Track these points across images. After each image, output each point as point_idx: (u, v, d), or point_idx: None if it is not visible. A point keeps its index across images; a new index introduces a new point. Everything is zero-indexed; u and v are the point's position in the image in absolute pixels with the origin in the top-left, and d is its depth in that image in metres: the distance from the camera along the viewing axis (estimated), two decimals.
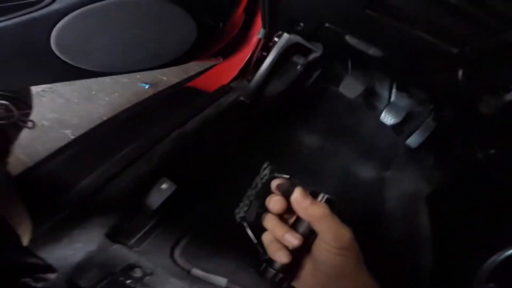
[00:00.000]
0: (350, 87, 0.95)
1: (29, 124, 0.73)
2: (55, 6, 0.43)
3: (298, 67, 0.78)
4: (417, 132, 0.97)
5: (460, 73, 0.47)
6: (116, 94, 1.07)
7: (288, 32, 0.67)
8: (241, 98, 0.74)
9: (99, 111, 0.99)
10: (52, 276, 0.38)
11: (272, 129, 0.91)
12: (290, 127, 0.96)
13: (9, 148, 0.66)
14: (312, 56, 0.72)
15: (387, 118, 1.02)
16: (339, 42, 0.60)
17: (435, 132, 0.96)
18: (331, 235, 0.31)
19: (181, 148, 0.54)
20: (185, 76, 1.31)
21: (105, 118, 0.98)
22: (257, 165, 0.86)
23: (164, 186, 0.57)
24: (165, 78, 1.24)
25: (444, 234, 0.74)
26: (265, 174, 0.69)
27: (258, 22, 0.81)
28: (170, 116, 0.61)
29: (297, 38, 0.66)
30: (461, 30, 0.40)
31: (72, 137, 0.91)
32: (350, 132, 1.07)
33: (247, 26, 0.82)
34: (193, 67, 1.31)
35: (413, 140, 0.98)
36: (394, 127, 1.06)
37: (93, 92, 1.05)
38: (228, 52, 0.88)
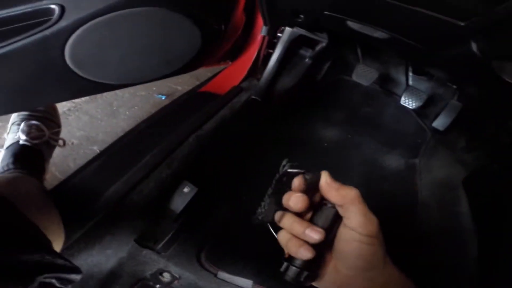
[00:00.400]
0: (364, 75, 0.92)
1: (60, 142, 0.78)
2: (62, 23, 0.47)
3: (306, 60, 0.77)
4: (442, 113, 0.92)
5: (474, 45, 0.44)
6: (135, 107, 1.12)
7: (290, 26, 0.66)
8: (253, 97, 0.74)
9: (121, 125, 1.05)
10: (77, 277, 0.40)
11: (289, 125, 0.90)
12: (306, 121, 0.94)
13: (45, 166, 0.71)
14: (318, 47, 0.71)
15: (409, 102, 0.98)
16: (342, 29, 0.59)
17: (463, 112, 0.91)
18: (361, 220, 0.29)
19: (199, 151, 0.55)
20: (198, 83, 1.35)
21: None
22: (276, 163, 0.85)
23: (186, 189, 0.59)
24: (180, 88, 1.28)
25: (488, 221, 0.68)
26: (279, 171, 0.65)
27: (260, 20, 0.81)
28: (186, 121, 0.62)
29: (300, 31, 0.66)
30: (464, 3, 0.38)
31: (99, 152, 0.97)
32: (371, 121, 1.03)
33: (249, 26, 0.83)
34: (205, 74, 1.34)
35: (440, 123, 0.92)
36: (417, 111, 1.01)
37: (115, 108, 1.11)
38: (235, 54, 0.89)
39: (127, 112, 1.10)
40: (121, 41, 0.53)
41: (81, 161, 0.95)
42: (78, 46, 0.49)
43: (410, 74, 1.04)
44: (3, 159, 0.65)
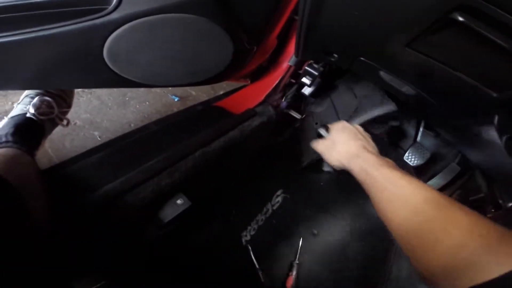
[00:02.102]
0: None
1: (64, 122, 0.77)
2: (114, 15, 0.47)
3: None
4: (440, 174, 0.95)
5: (496, 118, 0.45)
6: (147, 103, 1.12)
7: (318, 61, 0.68)
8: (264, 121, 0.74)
9: (128, 118, 1.04)
10: None
11: (291, 159, 0.91)
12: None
13: (41, 141, 0.69)
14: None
15: (411, 159, 0.99)
16: (372, 77, 0.60)
17: (458, 175, 0.94)
18: None
19: (202, 167, 0.54)
20: (213, 92, 1.35)
21: (133, 125, 1.03)
22: (270, 192, 0.86)
23: (179, 201, 0.57)
24: (194, 93, 1.29)
25: None
26: (278, 202, 0.69)
27: (289, 49, 0.83)
28: (196, 134, 0.62)
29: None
30: (504, 74, 0.39)
31: (99, 139, 0.96)
32: None
33: (278, 52, 0.85)
34: (221, 85, 1.35)
35: (435, 182, 0.95)
36: (416, 167, 1.02)
37: (127, 98, 1.10)
38: (255, 75, 0.91)
39: (137, 106, 1.09)
40: (159, 44, 0.54)
41: (77, 143, 0.93)
42: (119, 41, 0.49)
43: (421, 129, 1.05)
44: (3, 127, 0.64)
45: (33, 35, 0.47)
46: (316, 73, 0.73)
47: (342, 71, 0.90)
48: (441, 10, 0.33)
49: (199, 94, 1.30)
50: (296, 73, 0.83)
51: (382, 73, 0.56)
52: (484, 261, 0.28)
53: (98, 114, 1.01)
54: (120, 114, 1.04)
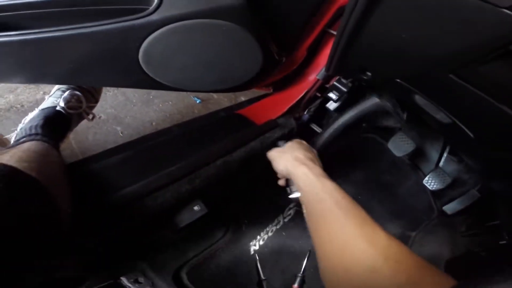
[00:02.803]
0: (400, 145, 0.90)
1: (90, 116, 0.79)
2: (154, 17, 0.48)
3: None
4: (458, 200, 0.93)
5: None
6: (170, 102, 1.13)
7: (348, 78, 0.66)
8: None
9: (150, 116, 1.05)
10: None
11: None
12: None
13: (67, 134, 0.71)
14: (388, 123, 0.72)
15: (431, 183, 0.96)
16: (405, 99, 0.58)
17: (477, 202, 0.91)
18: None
19: (222, 176, 0.54)
20: (233, 97, 1.36)
21: (154, 123, 1.04)
22: (284, 204, 0.85)
23: (196, 208, 0.57)
24: (215, 96, 1.30)
25: None
26: (289, 214, 0.69)
27: (317, 61, 0.82)
28: (218, 141, 0.62)
29: (387, 106, 0.65)
30: None
31: (121, 134, 0.97)
32: (387, 189, 1.02)
33: (305, 63, 0.84)
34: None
35: (451, 207, 0.94)
36: (434, 191, 0.99)
37: (151, 97, 1.12)
38: (279, 84, 0.90)
39: (161, 105, 1.11)
40: (193, 49, 0.54)
41: (100, 137, 0.95)
42: (155, 44, 0.50)
43: (445, 155, 1.02)
44: (33, 118, 0.66)
45: (73, 32, 0.48)
46: (345, 90, 0.71)
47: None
48: (502, 41, 0.31)
49: (220, 97, 1.31)
50: (322, 87, 0.82)
51: (417, 97, 0.54)
52: None
53: (122, 110, 1.03)
54: (143, 111, 1.05)
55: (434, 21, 0.35)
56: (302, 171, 0.48)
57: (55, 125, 0.64)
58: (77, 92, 0.73)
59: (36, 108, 0.70)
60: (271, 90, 0.97)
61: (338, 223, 0.37)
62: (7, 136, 0.74)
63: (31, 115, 0.69)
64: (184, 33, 0.51)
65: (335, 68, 0.60)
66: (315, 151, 0.60)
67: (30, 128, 0.60)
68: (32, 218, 0.36)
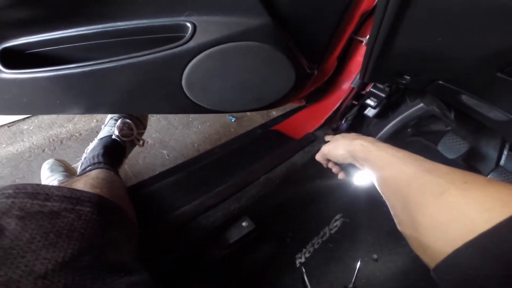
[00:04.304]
0: (451, 146, 0.83)
1: (141, 142, 0.87)
2: (191, 44, 0.51)
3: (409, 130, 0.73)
4: None
5: None
6: (207, 123, 1.20)
7: (386, 83, 0.64)
8: None
9: (191, 138, 1.12)
10: None
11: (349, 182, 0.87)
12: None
13: (123, 160, 0.79)
14: (436, 127, 0.68)
15: None
16: (450, 100, 0.55)
17: None
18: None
19: (266, 192, 0.56)
20: (265, 112, 1.39)
21: (196, 145, 1.11)
22: (329, 216, 0.82)
23: (244, 223, 0.59)
24: (248, 114, 1.34)
25: None
26: (336, 226, 0.67)
27: (348, 69, 0.81)
28: (259, 159, 0.64)
29: (433, 110, 0.63)
30: None
31: (167, 157, 1.04)
32: None
33: (336, 72, 0.83)
34: None
35: None
36: None
37: (190, 119, 1.20)
38: (312, 96, 0.90)
39: (199, 126, 1.17)
40: (229, 71, 0.57)
41: (149, 160, 1.03)
42: (196, 69, 0.53)
43: (505, 152, 0.91)
44: (94, 148, 0.74)
45: (123, 62, 0.51)
46: (383, 95, 0.70)
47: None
48: None
49: (253, 114, 1.35)
50: (358, 94, 0.80)
51: (464, 97, 0.51)
52: (471, 209, 0.26)
53: (166, 134, 1.11)
54: (184, 134, 1.12)
55: (474, 22, 0.34)
56: (359, 144, 0.48)
57: (113, 153, 0.72)
58: (128, 120, 0.81)
59: (95, 138, 0.79)
60: (304, 103, 0.97)
61: (405, 177, 0.36)
62: (74, 166, 0.85)
63: (91, 145, 0.78)
64: (219, 57, 0.54)
65: (371, 75, 0.59)
66: None
67: (93, 157, 0.68)
68: (120, 242, 0.40)
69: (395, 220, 0.38)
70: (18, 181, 0.94)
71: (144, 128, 0.88)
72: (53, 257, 0.31)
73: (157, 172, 0.98)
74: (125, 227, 0.42)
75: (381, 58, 0.50)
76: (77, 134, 1.08)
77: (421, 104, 0.67)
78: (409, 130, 0.96)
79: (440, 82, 0.50)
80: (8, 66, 0.48)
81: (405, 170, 0.37)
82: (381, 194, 0.42)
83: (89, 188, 0.44)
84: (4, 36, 0.49)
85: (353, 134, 0.56)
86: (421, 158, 0.39)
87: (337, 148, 0.55)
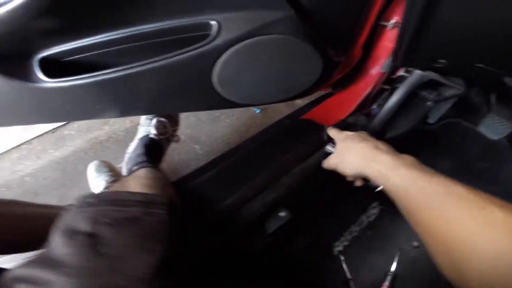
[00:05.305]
0: (494, 127, 0.79)
1: (175, 138, 0.91)
2: (218, 41, 0.51)
3: (429, 103, 0.70)
4: None
5: None
6: (234, 117, 1.22)
7: (422, 69, 0.62)
8: None
9: (221, 132, 1.15)
10: None
11: None
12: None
13: (162, 158, 0.83)
14: (449, 93, 0.64)
15: None
16: (491, 82, 0.52)
17: None
18: None
19: (302, 182, 0.57)
20: (290, 102, 1.38)
21: (225, 139, 1.14)
22: (364, 204, 0.82)
23: (281, 214, 0.61)
24: (272, 104, 1.34)
25: None
26: (374, 213, 0.65)
27: (375, 55, 0.78)
28: (292, 149, 0.65)
29: (431, 75, 0.60)
30: None
31: (200, 152, 1.09)
32: (486, 176, 0.90)
33: (363, 59, 0.81)
34: None
35: None
36: None
37: (217, 114, 1.23)
38: (338, 83, 0.88)
39: (227, 120, 1.20)
40: (257, 65, 0.57)
41: (183, 156, 1.08)
42: (225, 66, 0.54)
43: None
44: (136, 148, 0.79)
45: (152, 65, 0.52)
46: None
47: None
48: None
49: (277, 104, 1.35)
50: (389, 79, 0.78)
51: (507, 79, 0.48)
52: None
53: (196, 129, 1.15)
54: (213, 128, 1.16)
55: None
56: (375, 169, 0.43)
57: (153, 151, 0.76)
58: (162, 119, 0.85)
59: (135, 138, 0.84)
60: (330, 90, 0.96)
61: (436, 213, 0.33)
62: (118, 166, 0.91)
63: (132, 145, 0.83)
64: (246, 52, 0.55)
65: (403, 60, 0.57)
66: (369, 135, 0.54)
67: (137, 157, 0.73)
68: (187, 240, 0.42)
69: (434, 260, 0.34)
70: (68, 183, 1.02)
71: (177, 125, 0.92)
72: (148, 261, 0.32)
73: (192, 167, 1.03)
74: (185, 226, 0.45)
75: (413, 43, 0.48)
76: (114, 136, 1.15)
77: (419, 72, 0.62)
78: (443, 111, 0.92)
79: (481, 65, 0.47)
80: (49, 75, 0.50)
81: (442, 213, 0.32)
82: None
83: (145, 188, 0.47)
84: (41, 46, 0.50)
85: (360, 136, 0.51)
86: (452, 184, 0.34)
87: (345, 165, 0.50)
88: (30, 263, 0.33)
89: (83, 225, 0.34)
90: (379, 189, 0.44)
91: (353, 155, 0.48)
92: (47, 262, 0.32)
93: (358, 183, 0.56)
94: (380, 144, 0.47)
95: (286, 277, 0.71)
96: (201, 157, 1.06)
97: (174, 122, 0.91)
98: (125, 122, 1.20)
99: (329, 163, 0.54)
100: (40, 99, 0.56)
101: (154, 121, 0.84)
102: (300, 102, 1.37)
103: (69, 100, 0.58)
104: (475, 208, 0.30)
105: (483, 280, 0.27)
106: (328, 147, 0.58)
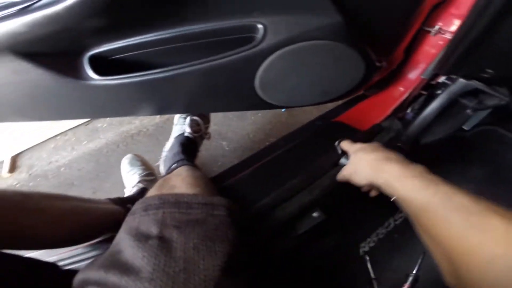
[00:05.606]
0: None
1: (207, 136, 0.93)
2: (264, 45, 0.52)
3: (468, 111, 0.69)
4: None
5: None
6: (259, 114, 1.23)
7: (467, 77, 0.61)
8: (399, 144, 0.72)
9: (246, 129, 1.17)
10: None
11: None
12: (440, 172, 0.87)
13: (197, 155, 0.86)
14: (492, 102, 0.63)
15: None
16: None
17: None
18: None
19: (336, 184, 0.58)
20: None
21: (251, 136, 1.15)
22: (394, 207, 0.82)
23: (315, 214, 0.62)
24: None
25: None
26: (401, 217, 0.65)
27: (415, 60, 0.77)
28: (327, 151, 0.65)
29: (477, 84, 0.59)
30: None
31: (227, 148, 1.11)
32: None
33: (402, 63, 0.80)
34: None
35: None
36: None
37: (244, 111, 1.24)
38: (374, 85, 0.87)
39: (253, 117, 1.21)
40: (300, 70, 0.58)
41: (211, 152, 1.10)
42: (268, 70, 0.54)
43: None
44: (172, 146, 0.81)
45: (198, 67, 0.53)
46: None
47: None
48: None
49: None
50: (428, 85, 0.77)
51: None
52: None
53: (223, 126, 1.17)
54: (240, 125, 1.18)
55: None
56: (383, 179, 0.44)
57: (189, 149, 0.79)
58: (195, 117, 0.87)
59: (170, 137, 0.87)
60: (362, 91, 0.95)
61: (440, 222, 0.34)
62: (156, 165, 0.94)
63: (168, 144, 0.85)
64: (291, 57, 0.55)
65: (450, 68, 0.56)
66: (381, 146, 0.53)
67: (174, 155, 0.75)
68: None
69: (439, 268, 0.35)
70: (101, 175, 1.06)
71: (208, 122, 0.94)
72: (217, 263, 0.33)
73: (219, 163, 1.05)
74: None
75: (470, 52, 0.48)
76: (145, 130, 1.18)
77: (463, 81, 0.61)
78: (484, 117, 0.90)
79: None
80: (99, 73, 0.52)
81: (444, 223, 0.33)
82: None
83: (191, 187, 0.48)
84: (92, 43, 0.51)
85: (371, 146, 0.51)
86: (456, 193, 0.35)
87: (357, 176, 0.51)
88: (101, 266, 0.33)
89: (153, 229, 0.35)
90: (393, 199, 0.44)
91: (364, 166, 0.49)
92: (119, 266, 0.32)
93: (373, 193, 0.57)
94: (391, 154, 0.48)
95: (311, 274, 0.73)
96: (228, 154, 1.08)
97: (206, 119, 0.92)
98: (155, 117, 1.23)
99: (343, 175, 0.56)
100: (87, 96, 0.58)
101: (188, 119, 0.86)
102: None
103: (114, 97, 0.60)
104: (473, 217, 0.31)
105: (480, 283, 0.28)
106: (343, 160, 0.59)
